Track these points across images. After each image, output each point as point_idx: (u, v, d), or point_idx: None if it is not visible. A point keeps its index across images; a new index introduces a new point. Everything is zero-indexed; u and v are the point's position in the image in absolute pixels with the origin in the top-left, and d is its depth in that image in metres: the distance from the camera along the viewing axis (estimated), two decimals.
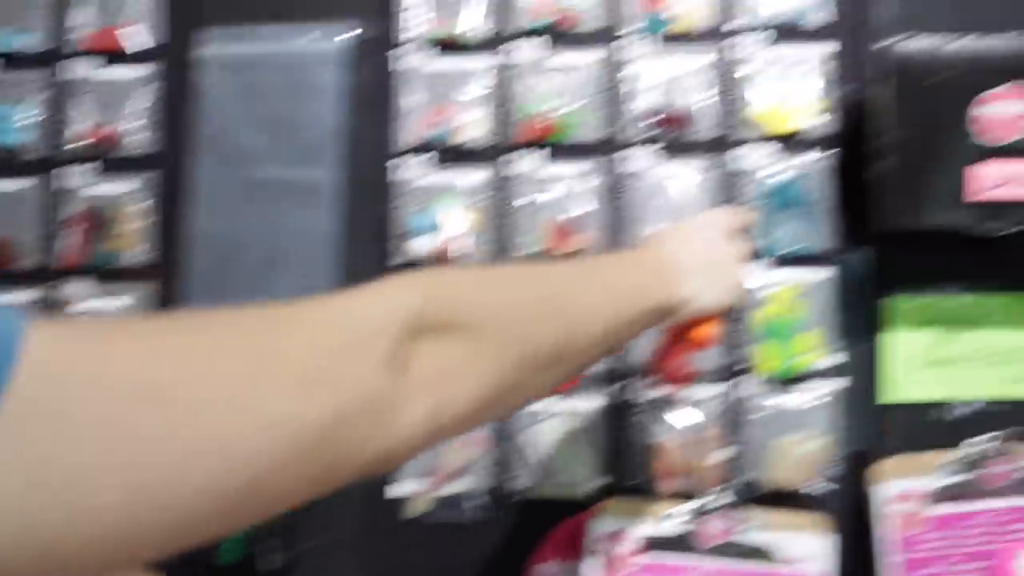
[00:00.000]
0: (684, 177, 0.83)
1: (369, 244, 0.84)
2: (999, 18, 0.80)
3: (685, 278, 0.61)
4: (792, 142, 0.83)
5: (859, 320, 0.83)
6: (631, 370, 0.82)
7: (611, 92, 0.84)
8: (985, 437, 0.81)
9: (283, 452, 0.31)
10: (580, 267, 0.60)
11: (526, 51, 0.84)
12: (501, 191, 0.84)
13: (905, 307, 0.83)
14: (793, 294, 0.83)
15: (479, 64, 0.84)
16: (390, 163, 0.85)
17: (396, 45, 0.85)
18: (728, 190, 0.83)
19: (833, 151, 0.83)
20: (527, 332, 0.46)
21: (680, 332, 0.71)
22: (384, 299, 0.40)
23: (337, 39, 0.82)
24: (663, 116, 0.83)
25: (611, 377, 0.82)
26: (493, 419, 0.76)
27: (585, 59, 0.84)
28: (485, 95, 0.84)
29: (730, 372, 0.82)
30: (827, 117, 0.84)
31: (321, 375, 0.34)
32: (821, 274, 0.83)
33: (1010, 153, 0.76)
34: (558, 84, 0.84)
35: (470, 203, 0.83)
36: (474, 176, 0.84)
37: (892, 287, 0.83)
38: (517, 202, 0.83)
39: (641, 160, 0.84)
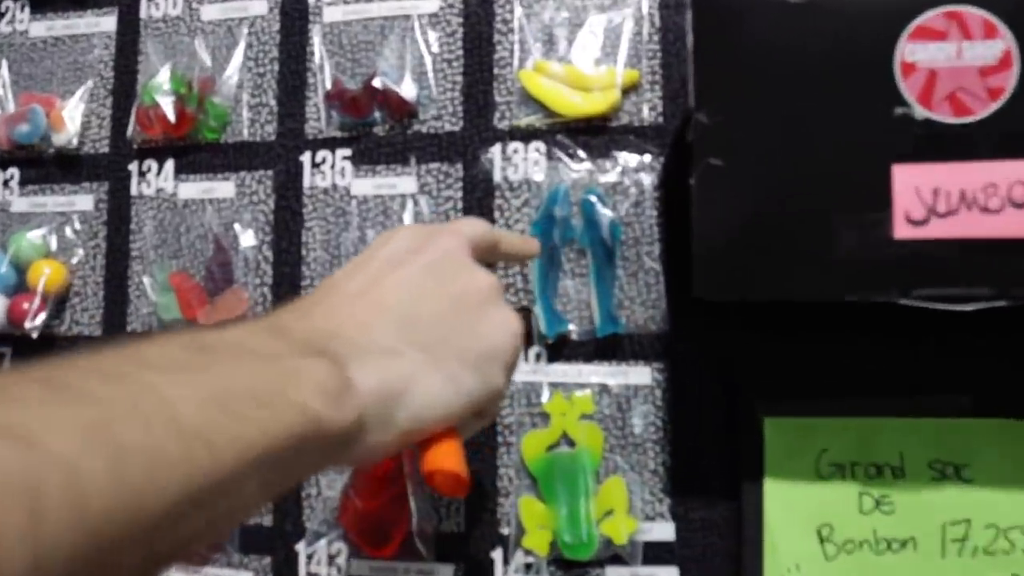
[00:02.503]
0: (404, 191, 0.49)
1: None
2: None
3: (374, 360, 0.28)
4: (594, 135, 0.47)
5: (712, 459, 0.45)
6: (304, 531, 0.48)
7: (289, 60, 0.51)
8: None
9: None
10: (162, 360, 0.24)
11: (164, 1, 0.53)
12: (115, 222, 0.52)
13: (789, 439, 0.44)
14: (586, 409, 0.46)
15: (91, 25, 0.54)
16: None
17: None
18: (477, 213, 0.48)
19: (663, 155, 0.47)
20: None
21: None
22: None
23: None
24: (368, 95, 0.49)
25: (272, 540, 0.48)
26: None
27: (247, 9, 0.52)
28: (97, 74, 0.53)
29: (474, 546, 0.46)
30: (651, 93, 0.47)
31: None
32: (640, 375, 0.46)
33: (970, 145, 0.37)
34: (203, 50, 0.51)
35: (66, 244, 0.52)
36: (78, 201, 0.53)
37: (765, 403, 0.44)
38: (137, 240, 0.51)
39: (327, 169, 0.50)
